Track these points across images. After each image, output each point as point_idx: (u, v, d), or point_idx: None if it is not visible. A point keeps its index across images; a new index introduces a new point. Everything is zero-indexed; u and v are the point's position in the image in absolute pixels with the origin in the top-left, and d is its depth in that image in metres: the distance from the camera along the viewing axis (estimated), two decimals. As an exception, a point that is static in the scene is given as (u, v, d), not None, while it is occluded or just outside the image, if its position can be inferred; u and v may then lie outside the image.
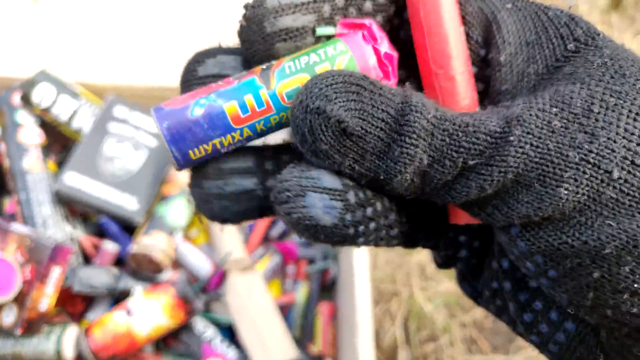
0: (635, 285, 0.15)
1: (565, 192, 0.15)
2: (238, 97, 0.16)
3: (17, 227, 0.56)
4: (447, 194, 0.16)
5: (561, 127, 0.15)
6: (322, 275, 0.72)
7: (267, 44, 0.17)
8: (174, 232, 0.62)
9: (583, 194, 0.15)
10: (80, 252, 0.62)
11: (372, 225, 0.17)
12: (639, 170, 0.14)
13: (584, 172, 0.14)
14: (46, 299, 0.54)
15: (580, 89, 0.15)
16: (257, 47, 0.17)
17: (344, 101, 0.15)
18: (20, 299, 0.53)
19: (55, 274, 0.54)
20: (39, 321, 0.54)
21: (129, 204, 0.62)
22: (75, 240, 0.62)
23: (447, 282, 0.80)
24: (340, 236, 0.16)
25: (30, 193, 0.62)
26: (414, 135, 0.15)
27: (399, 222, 0.18)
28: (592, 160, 0.14)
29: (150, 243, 0.60)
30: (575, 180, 0.15)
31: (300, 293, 0.69)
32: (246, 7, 0.17)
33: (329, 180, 0.16)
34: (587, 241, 0.15)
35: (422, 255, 0.83)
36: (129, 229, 0.64)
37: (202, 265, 0.67)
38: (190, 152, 0.16)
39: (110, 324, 0.56)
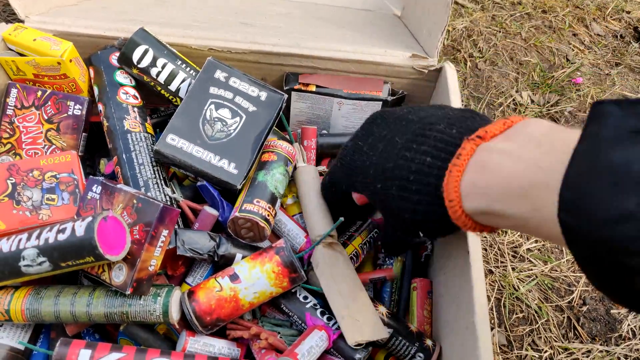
0: None
1: None
2: None
3: (124, 187, 0.55)
4: None
5: None
6: (416, 250, 0.70)
7: None
8: (274, 199, 0.61)
9: None
10: (180, 215, 0.62)
11: None
12: None
13: None
14: (154, 260, 0.53)
15: None
16: None
17: None
18: (130, 259, 0.52)
19: (163, 235, 0.53)
20: (147, 282, 0.53)
21: (228, 168, 0.61)
22: (175, 204, 0.62)
23: (541, 265, 0.76)
24: None
25: (131, 154, 0.61)
26: None
27: None
28: None
29: (253, 209, 0.58)
30: None
31: (395, 268, 0.67)
32: None
33: None
34: None
35: (514, 236, 0.79)
36: (227, 194, 0.63)
37: (297, 236, 0.66)
38: None
39: (214, 289, 0.55)
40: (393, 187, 0.42)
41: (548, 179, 0.29)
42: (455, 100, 0.64)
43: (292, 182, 0.72)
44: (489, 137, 0.37)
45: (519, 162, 0.32)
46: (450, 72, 0.69)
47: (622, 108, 0.26)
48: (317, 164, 0.74)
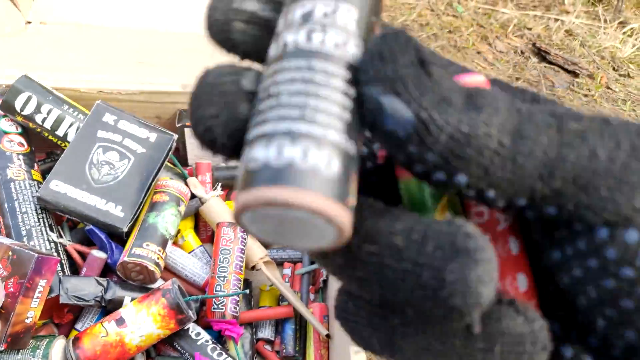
0: None
1: None
2: None
3: (0, 238, 0.55)
4: None
5: None
6: (312, 277, 0.72)
7: None
8: (165, 242, 0.61)
9: None
10: (67, 261, 0.61)
11: None
12: None
13: None
14: (32, 312, 0.53)
15: None
16: None
17: None
18: (4, 314, 0.51)
19: (40, 286, 0.53)
20: (24, 335, 0.53)
21: (114, 211, 0.61)
22: (61, 249, 0.61)
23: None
24: None
25: (14, 203, 0.61)
26: None
27: None
28: None
29: (142, 253, 0.59)
30: None
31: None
32: None
33: None
34: None
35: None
36: (118, 238, 0.63)
37: (196, 272, 0.67)
38: None
39: (100, 334, 0.55)
40: None
41: None
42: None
43: (190, 217, 0.73)
44: None
45: None
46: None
47: None
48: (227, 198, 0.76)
